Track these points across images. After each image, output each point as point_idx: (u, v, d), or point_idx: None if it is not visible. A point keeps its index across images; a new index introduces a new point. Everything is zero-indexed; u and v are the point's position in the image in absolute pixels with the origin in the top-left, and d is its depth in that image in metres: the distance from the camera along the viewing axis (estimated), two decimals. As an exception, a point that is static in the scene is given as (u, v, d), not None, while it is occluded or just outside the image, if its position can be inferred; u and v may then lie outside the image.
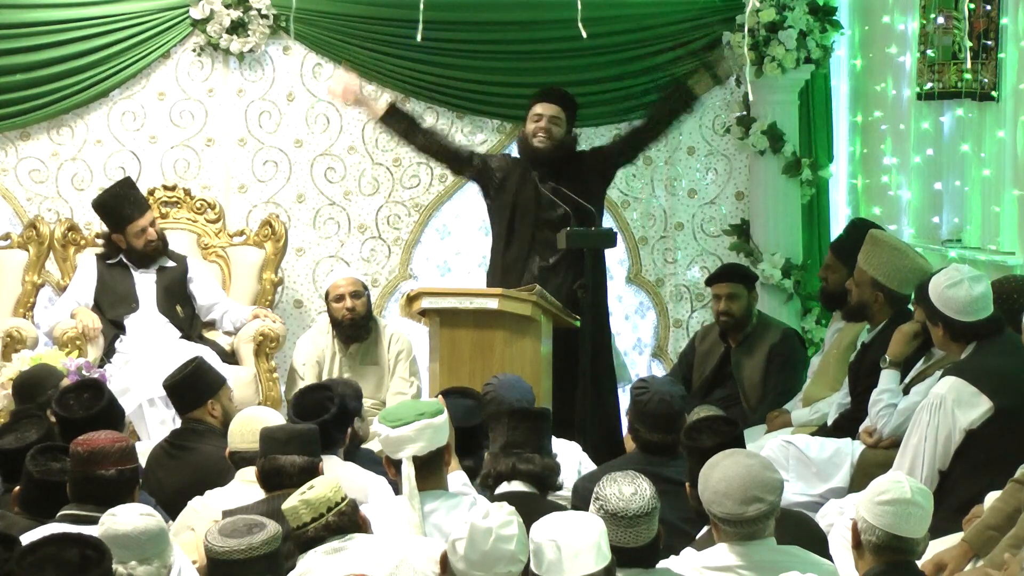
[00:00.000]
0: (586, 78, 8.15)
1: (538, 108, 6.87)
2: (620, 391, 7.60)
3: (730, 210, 8.29)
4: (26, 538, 3.91)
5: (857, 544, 3.65)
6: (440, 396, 4.97)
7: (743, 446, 4.28)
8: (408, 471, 4.25)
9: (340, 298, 7.19)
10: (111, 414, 5.12)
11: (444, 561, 3.53)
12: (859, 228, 6.33)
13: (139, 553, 3.62)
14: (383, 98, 7.41)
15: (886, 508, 3.58)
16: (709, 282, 7.19)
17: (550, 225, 6.70)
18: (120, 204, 7.41)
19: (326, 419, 5.01)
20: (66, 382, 5.91)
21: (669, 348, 8.30)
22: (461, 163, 7.10)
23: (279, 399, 7.33)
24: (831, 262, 6.55)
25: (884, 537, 3.58)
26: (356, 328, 7.20)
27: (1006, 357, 4.93)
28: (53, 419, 5.09)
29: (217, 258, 7.93)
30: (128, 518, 3.66)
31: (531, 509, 3.88)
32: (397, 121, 7.10)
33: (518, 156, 7.10)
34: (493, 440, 4.58)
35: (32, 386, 5.82)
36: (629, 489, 3.59)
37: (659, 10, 8.16)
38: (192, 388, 5.56)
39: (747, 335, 7.00)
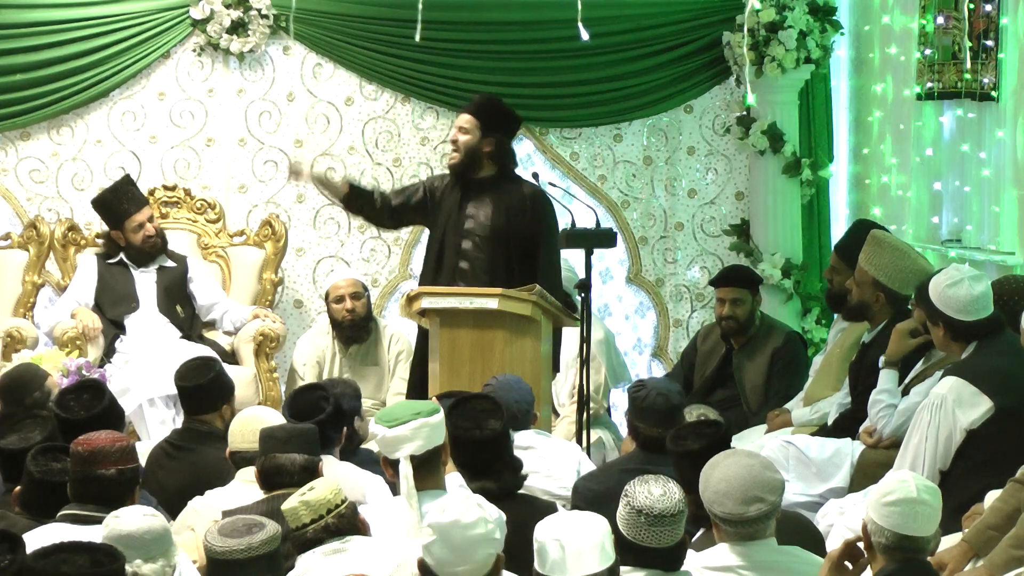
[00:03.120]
0: (586, 78, 8.16)
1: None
2: (620, 391, 7.62)
3: (730, 210, 8.29)
4: (27, 538, 3.92)
5: (869, 546, 3.65)
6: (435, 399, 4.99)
7: (728, 446, 4.27)
8: (406, 471, 4.25)
9: (340, 299, 7.19)
10: (112, 414, 5.11)
11: (423, 568, 3.52)
12: (862, 229, 6.32)
13: (144, 552, 3.63)
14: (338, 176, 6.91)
15: (893, 509, 3.58)
16: (714, 284, 7.17)
17: (467, 256, 6.49)
18: (118, 200, 7.43)
19: (321, 419, 5.01)
20: (51, 381, 5.90)
21: (669, 348, 8.30)
22: (415, 201, 6.60)
23: (279, 399, 7.33)
24: (836, 264, 6.53)
25: (893, 538, 3.58)
26: (356, 329, 7.20)
27: (1006, 357, 4.93)
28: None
29: (217, 258, 7.93)
30: (132, 518, 3.67)
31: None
32: (357, 200, 6.61)
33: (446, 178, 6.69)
34: None
35: (17, 388, 5.79)
36: (658, 490, 3.60)
37: (659, 10, 8.17)
38: (211, 392, 5.53)
39: (750, 338, 6.99)
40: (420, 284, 6.69)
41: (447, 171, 6.66)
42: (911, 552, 3.59)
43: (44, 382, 5.85)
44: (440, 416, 4.37)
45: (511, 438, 4.59)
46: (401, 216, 6.71)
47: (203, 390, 5.54)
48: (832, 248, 7.21)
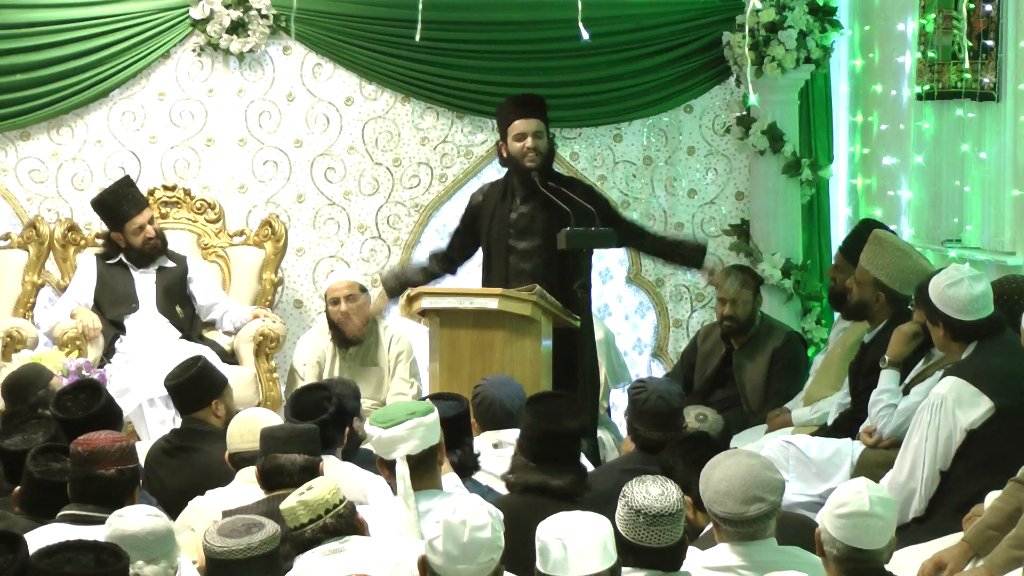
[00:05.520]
0: (586, 78, 8.16)
1: (519, 126, 6.51)
2: (619, 391, 7.62)
3: (730, 210, 8.29)
4: (27, 539, 3.92)
5: (822, 552, 3.63)
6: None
7: (710, 444, 4.29)
8: (403, 471, 4.25)
9: (336, 301, 7.18)
10: (109, 413, 5.12)
11: (423, 565, 3.52)
12: (867, 229, 6.33)
13: (146, 553, 3.63)
14: (377, 292, 7.13)
15: (845, 521, 3.53)
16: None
17: (522, 255, 6.54)
18: (118, 202, 7.43)
19: (324, 419, 5.01)
20: (56, 381, 5.91)
21: (669, 348, 8.30)
22: (461, 246, 6.80)
23: (279, 399, 7.33)
24: (840, 263, 6.53)
25: (845, 550, 3.54)
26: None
27: (1006, 357, 4.93)
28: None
29: (217, 258, 7.93)
30: (135, 519, 3.67)
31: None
32: (401, 288, 6.72)
33: (491, 183, 6.86)
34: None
35: (22, 387, 5.79)
36: (656, 490, 3.60)
37: (659, 10, 8.16)
38: (198, 388, 5.54)
39: (750, 338, 6.99)
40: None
41: (480, 189, 6.80)
42: (862, 563, 3.54)
43: (48, 382, 5.85)
44: (435, 416, 4.38)
45: (583, 446, 4.59)
46: (459, 261, 6.83)
47: (187, 387, 5.54)
48: (837, 247, 7.18)
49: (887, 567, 3.60)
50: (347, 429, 5.25)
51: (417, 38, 7.47)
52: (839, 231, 8.30)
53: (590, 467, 5.51)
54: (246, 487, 4.74)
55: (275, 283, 7.89)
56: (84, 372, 6.50)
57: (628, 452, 5.17)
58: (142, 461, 5.19)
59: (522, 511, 4.07)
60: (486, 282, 6.64)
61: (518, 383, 5.47)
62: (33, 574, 3.28)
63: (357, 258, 8.21)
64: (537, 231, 6.51)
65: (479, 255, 6.78)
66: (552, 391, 4.83)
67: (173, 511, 4.85)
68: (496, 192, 6.68)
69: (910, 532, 4.80)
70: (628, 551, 3.55)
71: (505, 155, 6.59)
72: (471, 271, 7.98)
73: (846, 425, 5.89)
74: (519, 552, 3.76)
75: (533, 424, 4.44)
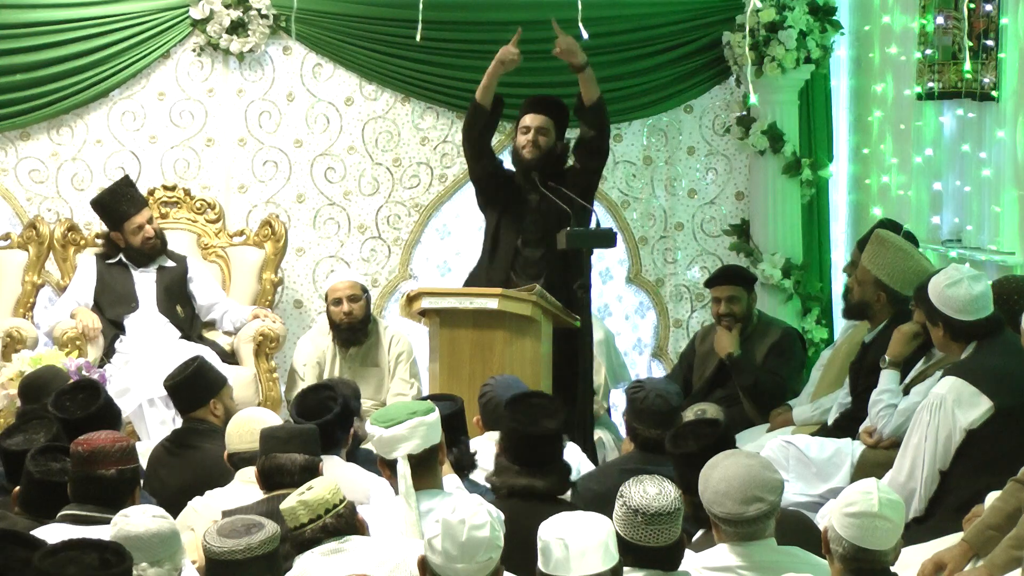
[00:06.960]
0: (586, 78, 8.15)
1: (527, 119, 6.66)
2: (619, 391, 7.62)
3: (730, 210, 8.29)
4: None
5: (828, 550, 3.63)
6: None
7: (731, 446, 4.26)
8: (404, 470, 4.25)
9: (338, 301, 7.18)
10: (108, 413, 5.11)
11: (422, 565, 3.53)
12: (886, 227, 6.34)
13: (151, 555, 3.62)
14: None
15: (852, 520, 3.53)
16: (708, 284, 7.19)
17: (530, 244, 6.63)
18: (116, 201, 7.43)
19: (329, 419, 5.01)
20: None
21: (669, 348, 8.30)
22: (483, 156, 6.80)
23: (279, 399, 7.34)
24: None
25: (850, 549, 3.53)
26: (353, 331, 7.19)
27: (1006, 357, 4.93)
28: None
29: (217, 258, 7.93)
30: (141, 520, 3.66)
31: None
32: (493, 108, 6.73)
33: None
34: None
35: (38, 388, 5.80)
36: (654, 489, 3.60)
37: (659, 10, 8.17)
38: (195, 388, 5.56)
39: (747, 336, 6.99)
40: (475, 271, 6.81)
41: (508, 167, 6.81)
42: (867, 563, 3.54)
43: (65, 383, 5.85)
44: (436, 415, 4.38)
45: (564, 443, 4.58)
46: (485, 146, 6.79)
47: (185, 386, 5.55)
48: (855, 244, 7.16)
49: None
50: (352, 430, 5.24)
51: (418, 38, 7.46)
52: (839, 231, 8.31)
53: (589, 465, 5.52)
54: (246, 487, 4.74)
55: (275, 283, 7.89)
56: (84, 372, 6.50)
57: (628, 452, 5.17)
58: (142, 461, 5.19)
59: (510, 515, 4.07)
60: (489, 271, 6.64)
61: (525, 384, 5.47)
62: (36, 573, 3.27)
63: (357, 258, 8.21)
64: (545, 225, 6.54)
65: (475, 254, 6.78)
66: (531, 391, 4.81)
67: (174, 510, 4.84)
68: (515, 178, 6.74)
69: (910, 532, 4.78)
70: (627, 551, 3.55)
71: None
72: (461, 271, 8.01)
73: (846, 425, 5.89)
74: (510, 555, 3.76)
75: (513, 426, 4.44)
